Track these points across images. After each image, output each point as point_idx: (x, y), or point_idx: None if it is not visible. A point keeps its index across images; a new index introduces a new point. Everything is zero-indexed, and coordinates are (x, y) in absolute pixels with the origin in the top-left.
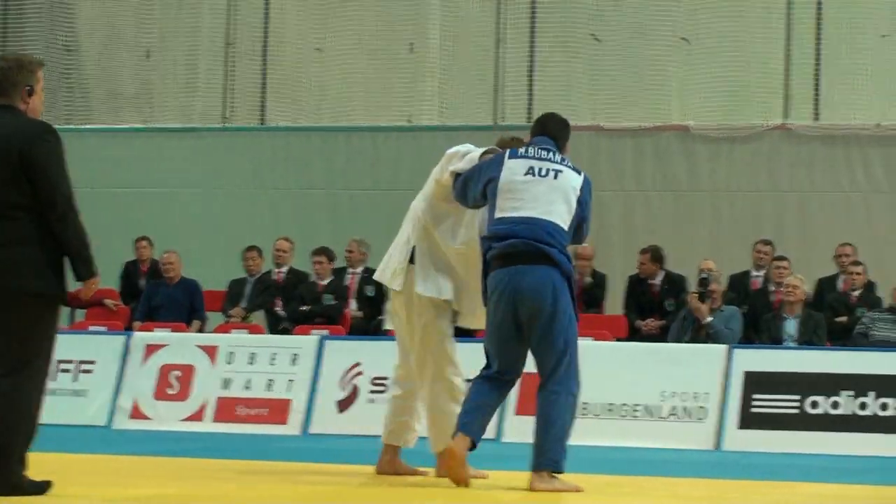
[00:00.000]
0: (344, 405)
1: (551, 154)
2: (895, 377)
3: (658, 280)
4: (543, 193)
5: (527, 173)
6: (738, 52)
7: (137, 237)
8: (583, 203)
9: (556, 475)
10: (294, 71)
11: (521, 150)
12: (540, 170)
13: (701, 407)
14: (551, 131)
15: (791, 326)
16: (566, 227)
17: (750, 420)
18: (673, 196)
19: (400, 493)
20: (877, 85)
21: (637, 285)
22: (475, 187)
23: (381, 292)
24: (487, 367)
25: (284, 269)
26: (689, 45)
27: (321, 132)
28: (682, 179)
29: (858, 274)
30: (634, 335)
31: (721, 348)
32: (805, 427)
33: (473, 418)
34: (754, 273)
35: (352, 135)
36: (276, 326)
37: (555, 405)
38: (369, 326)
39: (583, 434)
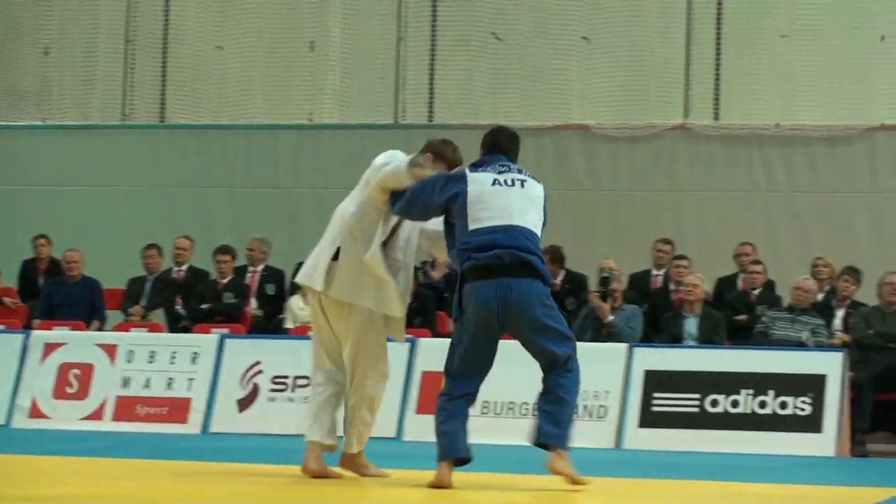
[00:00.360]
0: (244, 404)
1: (510, 166)
2: (794, 376)
3: (559, 279)
4: (515, 201)
5: (494, 183)
6: (639, 51)
7: (36, 235)
8: (545, 212)
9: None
10: (194, 68)
11: (480, 167)
12: (506, 180)
13: (602, 405)
14: (505, 148)
15: (691, 325)
16: (539, 235)
17: (650, 419)
18: (573, 195)
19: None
20: (776, 85)
21: None
22: (428, 200)
23: (282, 291)
24: (451, 389)
25: (184, 267)
26: (590, 44)
27: (221, 130)
28: (583, 179)
29: (758, 273)
30: None
31: (622, 347)
32: (705, 426)
33: (457, 438)
34: (654, 272)
35: (252, 132)
36: (176, 325)
37: (569, 384)
38: (269, 325)
39: (483, 433)
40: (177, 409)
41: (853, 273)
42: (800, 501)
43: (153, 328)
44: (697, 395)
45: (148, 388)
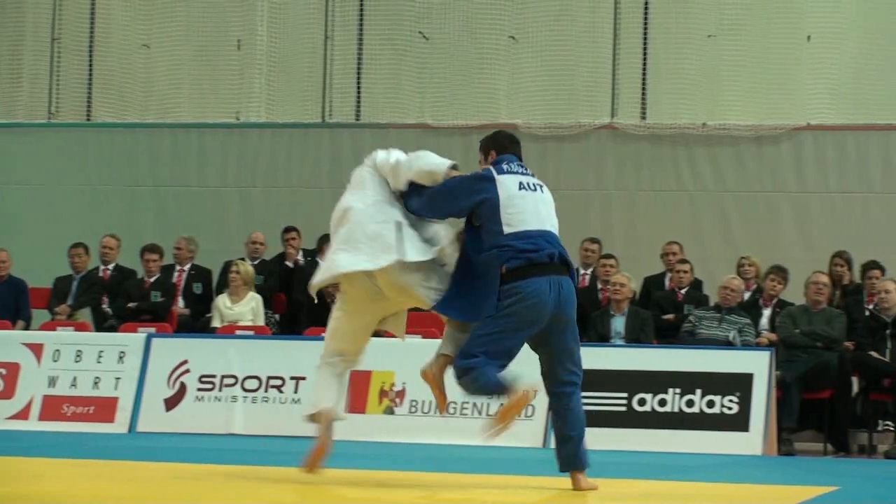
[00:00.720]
0: (171, 403)
1: (525, 168)
2: (721, 375)
3: None
4: (541, 207)
5: (520, 188)
6: (566, 51)
7: None
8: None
9: None
10: (120, 67)
11: (504, 167)
12: (528, 184)
13: (530, 405)
14: (512, 149)
15: (618, 324)
16: None
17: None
18: None
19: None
20: (703, 85)
21: None
22: (453, 203)
23: (210, 290)
24: (491, 359)
25: (111, 266)
26: (517, 43)
27: (148, 129)
28: None
29: (685, 272)
30: None
31: None
32: (632, 425)
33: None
34: (582, 271)
35: (178, 131)
36: (103, 324)
37: (579, 404)
38: (196, 324)
39: (413, 433)
40: (103, 409)
41: (780, 272)
42: (727, 500)
43: (80, 327)
44: (625, 394)
45: (74, 387)
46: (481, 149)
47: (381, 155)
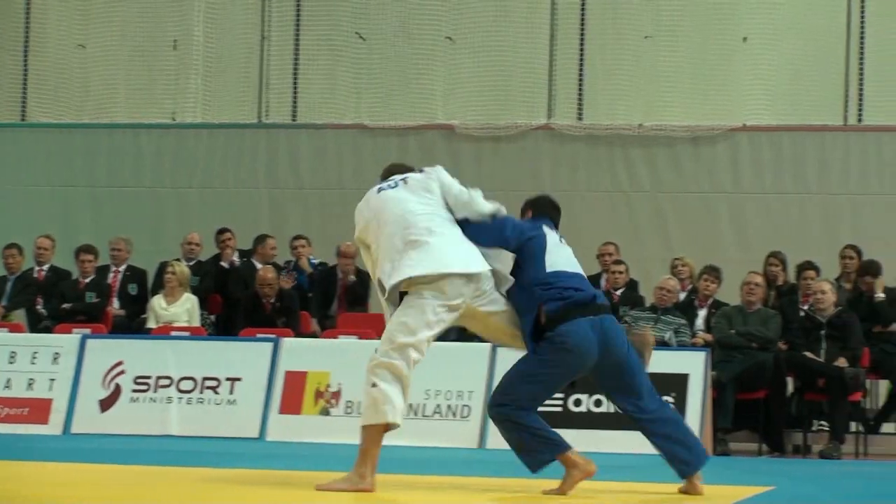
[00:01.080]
0: (106, 404)
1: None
2: (657, 375)
3: None
4: (573, 258)
5: (560, 240)
6: (503, 51)
7: None
8: None
9: None
10: (56, 67)
11: (547, 225)
12: (562, 239)
13: (465, 405)
14: (552, 215)
15: None
16: None
17: None
18: None
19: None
20: (640, 86)
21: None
22: (507, 240)
23: (145, 291)
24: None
25: (45, 266)
26: (454, 44)
27: (83, 129)
28: None
29: (621, 273)
30: None
31: (485, 347)
32: (568, 425)
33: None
34: None
35: (114, 132)
36: (38, 325)
37: (672, 411)
38: (132, 325)
39: (346, 433)
40: (38, 410)
41: (713, 272)
42: (662, 499)
43: (14, 328)
44: (561, 395)
45: (9, 388)
46: (523, 207)
47: (450, 181)
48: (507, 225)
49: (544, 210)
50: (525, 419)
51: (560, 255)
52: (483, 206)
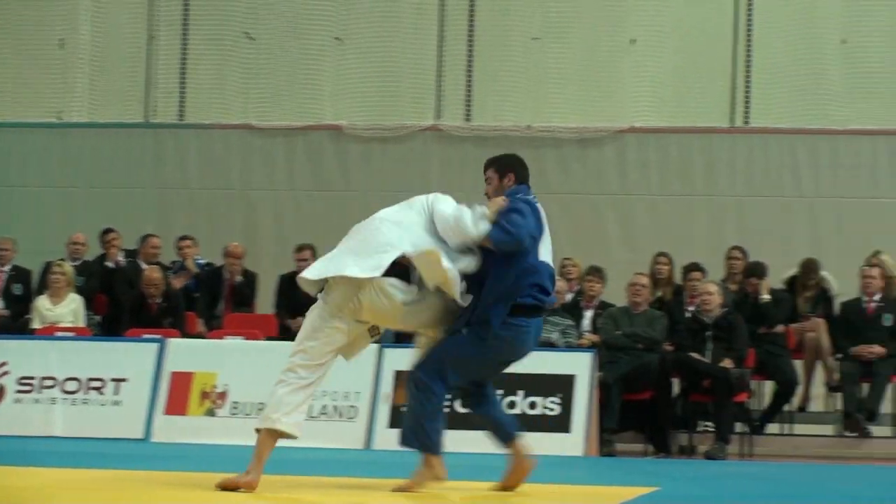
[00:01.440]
0: None
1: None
2: (544, 376)
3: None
4: (549, 242)
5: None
6: (391, 52)
7: None
8: None
9: None
10: None
11: (532, 199)
12: (544, 217)
13: (352, 406)
14: (527, 179)
15: None
16: None
17: (400, 419)
18: (325, 196)
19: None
20: (527, 87)
21: (288, 284)
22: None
23: (29, 291)
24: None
25: None
26: (343, 45)
27: None
28: (335, 179)
29: None
30: (285, 334)
31: (371, 347)
32: (455, 426)
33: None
34: None
35: (0, 131)
36: None
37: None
38: (16, 325)
39: (232, 434)
40: None
41: (596, 272)
42: (549, 500)
43: None
44: (448, 396)
45: None
46: (498, 166)
47: (447, 210)
48: (524, 235)
49: (525, 176)
50: (438, 403)
51: (545, 244)
52: (470, 230)
